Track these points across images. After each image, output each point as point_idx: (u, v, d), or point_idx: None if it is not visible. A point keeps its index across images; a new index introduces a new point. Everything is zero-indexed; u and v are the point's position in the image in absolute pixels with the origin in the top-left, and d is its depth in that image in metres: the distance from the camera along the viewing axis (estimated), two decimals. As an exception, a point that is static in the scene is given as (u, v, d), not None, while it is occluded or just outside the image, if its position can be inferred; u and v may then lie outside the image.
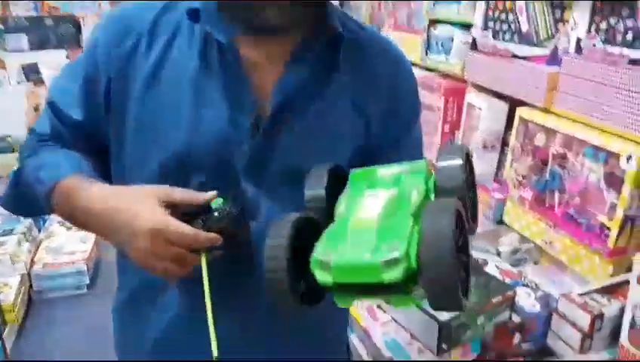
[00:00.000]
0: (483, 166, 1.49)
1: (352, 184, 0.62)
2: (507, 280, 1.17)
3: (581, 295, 1.03)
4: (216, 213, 0.70)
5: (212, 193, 0.71)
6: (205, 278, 0.68)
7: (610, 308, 0.99)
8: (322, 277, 0.50)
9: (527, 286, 1.15)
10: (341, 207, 0.58)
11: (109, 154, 0.81)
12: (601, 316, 0.98)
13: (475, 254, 1.31)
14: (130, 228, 0.67)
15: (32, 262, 2.69)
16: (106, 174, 0.81)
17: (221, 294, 0.70)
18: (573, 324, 1.00)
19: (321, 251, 0.51)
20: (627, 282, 1.07)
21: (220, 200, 0.70)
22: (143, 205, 0.68)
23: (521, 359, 1.09)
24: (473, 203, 0.60)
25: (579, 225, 1.16)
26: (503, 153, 1.47)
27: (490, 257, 1.31)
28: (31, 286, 2.63)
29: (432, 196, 0.57)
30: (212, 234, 0.68)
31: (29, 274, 2.62)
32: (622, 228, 1.08)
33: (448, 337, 0.97)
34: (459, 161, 0.56)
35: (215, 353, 0.63)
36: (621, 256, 1.11)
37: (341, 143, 0.78)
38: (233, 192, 0.73)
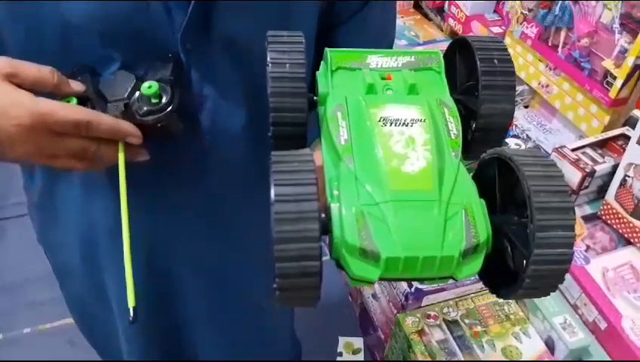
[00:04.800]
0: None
1: (336, 82, 0.42)
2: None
3: (574, 150, 0.99)
4: (146, 102, 0.52)
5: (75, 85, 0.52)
6: (123, 183, 0.51)
7: (602, 165, 0.96)
8: (363, 271, 0.32)
9: (518, 136, 1.10)
10: (340, 131, 0.38)
11: None
12: (592, 173, 0.95)
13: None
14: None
15: None
16: None
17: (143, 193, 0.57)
18: (562, 180, 0.98)
19: (352, 230, 0.32)
20: (623, 136, 1.03)
21: (154, 85, 0.52)
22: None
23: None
24: None
25: (582, 70, 1.07)
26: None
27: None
28: None
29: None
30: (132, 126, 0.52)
31: None
32: (628, 78, 1.00)
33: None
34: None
35: (131, 303, 0.48)
36: (620, 107, 1.05)
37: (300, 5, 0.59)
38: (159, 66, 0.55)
